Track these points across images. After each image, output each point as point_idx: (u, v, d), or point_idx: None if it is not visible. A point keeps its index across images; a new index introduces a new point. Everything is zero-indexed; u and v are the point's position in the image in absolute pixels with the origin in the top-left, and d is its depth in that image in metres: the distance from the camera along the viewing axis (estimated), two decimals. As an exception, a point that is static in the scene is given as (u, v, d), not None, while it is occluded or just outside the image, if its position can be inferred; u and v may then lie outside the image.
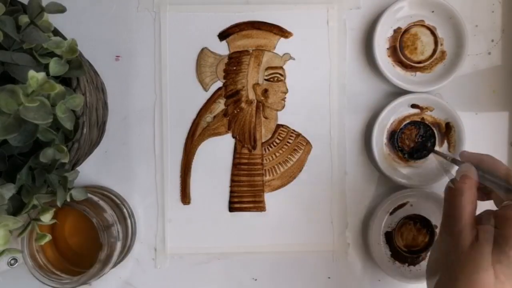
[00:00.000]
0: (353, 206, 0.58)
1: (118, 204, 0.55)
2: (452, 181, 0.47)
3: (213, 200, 0.57)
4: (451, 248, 0.45)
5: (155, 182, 0.57)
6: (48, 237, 0.39)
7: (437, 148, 0.57)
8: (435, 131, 0.57)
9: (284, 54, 0.58)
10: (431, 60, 0.57)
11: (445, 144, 0.57)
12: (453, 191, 0.46)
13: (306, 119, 0.58)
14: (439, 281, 0.45)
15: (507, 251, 0.42)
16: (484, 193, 0.48)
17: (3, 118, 0.31)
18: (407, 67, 0.57)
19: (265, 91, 0.57)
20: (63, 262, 0.52)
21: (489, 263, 0.42)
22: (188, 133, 0.57)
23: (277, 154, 0.58)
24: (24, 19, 0.36)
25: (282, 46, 0.58)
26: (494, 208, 0.47)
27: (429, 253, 0.49)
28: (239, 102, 0.58)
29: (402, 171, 0.57)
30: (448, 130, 0.57)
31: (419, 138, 0.57)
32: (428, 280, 0.48)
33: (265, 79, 0.57)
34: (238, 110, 0.58)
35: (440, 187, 0.57)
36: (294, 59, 0.58)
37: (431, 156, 0.57)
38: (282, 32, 0.57)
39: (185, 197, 0.57)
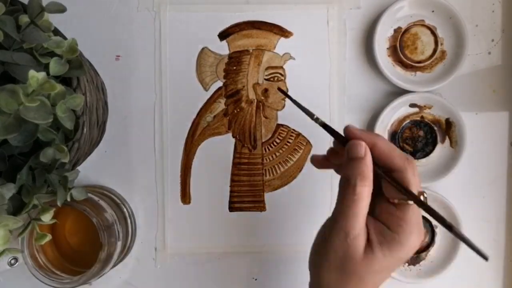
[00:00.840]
0: (353, 206, 0.58)
1: (118, 203, 0.55)
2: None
3: (213, 200, 0.57)
4: (346, 251, 0.40)
5: (155, 182, 0.57)
6: (48, 237, 0.39)
7: (439, 145, 0.57)
8: (435, 129, 0.57)
9: (284, 54, 0.58)
10: (431, 60, 0.57)
11: (447, 141, 0.57)
12: (352, 196, 0.39)
13: (306, 119, 0.58)
14: (328, 274, 0.42)
15: (395, 257, 0.39)
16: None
17: (4, 118, 0.31)
18: (407, 67, 0.57)
19: (265, 90, 0.57)
20: (63, 262, 0.52)
21: (382, 268, 0.40)
22: (188, 133, 0.57)
23: (277, 154, 0.58)
24: (24, 18, 0.36)
25: (282, 46, 0.58)
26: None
27: (316, 236, 0.45)
28: (239, 101, 0.58)
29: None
30: (448, 127, 0.57)
31: (420, 137, 0.57)
32: (311, 265, 0.45)
33: (265, 79, 0.57)
34: (238, 110, 0.58)
35: (440, 186, 0.57)
36: (294, 59, 0.58)
37: (433, 155, 0.57)
38: (282, 32, 0.57)
39: (185, 196, 0.57)
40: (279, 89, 0.48)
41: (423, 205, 0.39)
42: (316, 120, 0.44)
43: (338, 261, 0.41)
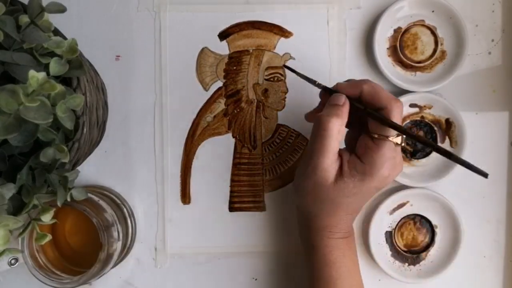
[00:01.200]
0: (353, 206, 0.58)
1: (118, 204, 0.55)
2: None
3: (213, 200, 0.57)
4: (313, 179, 0.46)
5: (155, 182, 0.57)
6: (48, 237, 0.39)
7: (439, 145, 0.57)
8: (435, 128, 0.57)
9: (284, 54, 0.58)
10: (431, 60, 0.57)
11: (447, 141, 0.57)
12: (321, 130, 0.45)
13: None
14: (305, 199, 0.48)
15: (365, 185, 0.45)
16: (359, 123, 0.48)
17: (4, 118, 0.31)
18: (407, 67, 0.57)
19: (265, 91, 0.57)
20: (63, 262, 0.52)
21: (352, 194, 0.45)
22: (188, 133, 0.57)
23: (277, 154, 0.58)
24: (24, 19, 0.36)
25: (282, 46, 0.58)
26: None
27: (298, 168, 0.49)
28: (239, 102, 0.58)
29: (405, 171, 0.57)
30: (448, 127, 0.57)
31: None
32: (294, 190, 0.50)
33: (265, 79, 0.57)
34: (238, 110, 0.58)
35: (440, 186, 0.57)
36: (294, 59, 0.58)
37: (433, 155, 0.57)
38: (282, 32, 0.57)
39: (185, 196, 0.57)
40: (285, 66, 0.53)
41: (406, 133, 0.43)
42: (318, 85, 0.49)
43: (311, 188, 0.46)
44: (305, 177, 0.47)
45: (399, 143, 0.45)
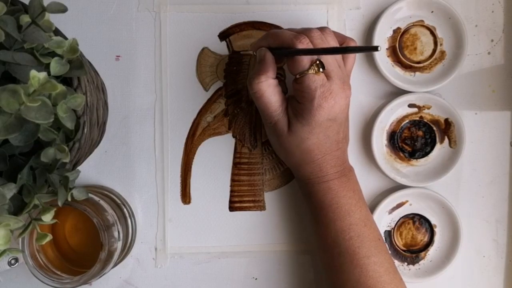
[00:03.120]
0: (353, 206, 0.58)
1: (118, 204, 0.55)
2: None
3: (213, 200, 0.57)
4: (274, 134, 0.50)
5: (155, 182, 0.57)
6: (49, 237, 0.39)
7: (438, 145, 0.57)
8: (434, 128, 0.57)
9: (284, 54, 0.58)
10: (430, 60, 0.57)
11: (446, 141, 0.57)
12: (253, 93, 0.48)
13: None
14: (281, 155, 0.52)
15: (311, 122, 0.46)
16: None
17: (4, 118, 0.31)
18: (406, 67, 0.57)
19: (265, 91, 0.57)
20: (64, 262, 0.52)
21: (307, 133, 0.47)
22: (189, 133, 0.57)
23: (277, 154, 0.58)
24: (25, 18, 0.36)
25: (282, 46, 0.58)
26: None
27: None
28: (239, 102, 0.58)
29: (403, 171, 0.57)
30: (447, 126, 0.57)
31: (419, 137, 0.58)
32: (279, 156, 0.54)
33: (265, 79, 0.57)
34: (238, 110, 0.58)
35: (440, 186, 0.57)
36: (294, 59, 0.58)
37: (432, 155, 0.57)
38: (282, 32, 0.57)
39: (185, 196, 0.57)
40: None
41: (301, 52, 0.45)
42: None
43: (278, 144, 0.50)
44: (269, 137, 0.52)
45: (315, 71, 0.46)
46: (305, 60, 0.45)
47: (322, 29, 0.48)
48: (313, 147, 0.48)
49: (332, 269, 0.49)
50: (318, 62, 0.45)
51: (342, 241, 0.48)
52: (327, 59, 0.46)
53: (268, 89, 0.47)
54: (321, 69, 0.46)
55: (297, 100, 0.47)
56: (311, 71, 0.45)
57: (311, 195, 0.51)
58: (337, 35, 0.49)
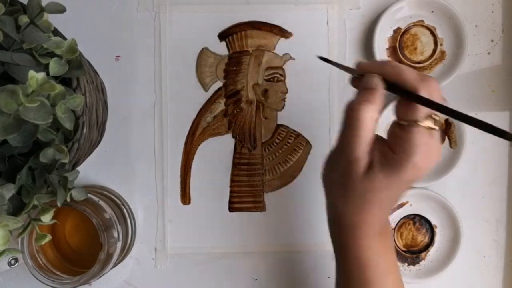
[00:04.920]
0: (353, 206, 0.58)
1: (118, 204, 0.55)
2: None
3: (213, 200, 0.57)
4: (343, 170, 0.42)
5: (155, 182, 0.57)
6: (48, 237, 0.39)
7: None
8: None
9: (284, 54, 0.58)
10: (430, 60, 0.57)
11: (446, 141, 0.57)
12: (351, 119, 0.40)
13: (306, 119, 0.58)
14: (334, 193, 0.44)
15: (397, 177, 0.40)
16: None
17: (3, 118, 0.31)
18: (407, 67, 0.57)
19: (265, 91, 0.57)
20: (63, 262, 0.52)
21: (383, 186, 0.40)
22: (188, 133, 0.57)
23: (277, 154, 0.58)
24: (24, 19, 0.36)
25: (282, 46, 0.58)
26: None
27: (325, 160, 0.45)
28: (239, 102, 0.58)
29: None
30: (448, 127, 0.57)
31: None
32: (322, 182, 0.46)
33: (265, 79, 0.57)
34: (238, 110, 0.58)
35: (440, 186, 0.57)
36: (294, 59, 0.58)
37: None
38: (282, 32, 0.57)
39: (185, 197, 0.57)
40: (320, 57, 0.47)
41: (437, 107, 0.38)
42: (351, 71, 0.44)
43: (339, 180, 0.42)
44: (334, 168, 0.43)
45: (431, 126, 0.39)
46: (424, 110, 0.39)
47: (437, 82, 0.40)
48: (378, 200, 0.41)
49: None
50: (436, 118, 0.40)
51: None
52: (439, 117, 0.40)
53: (371, 123, 0.40)
54: (436, 127, 0.40)
55: (390, 147, 0.41)
56: (423, 124, 0.39)
57: (348, 249, 0.44)
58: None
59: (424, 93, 0.38)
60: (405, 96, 0.40)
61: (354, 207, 0.42)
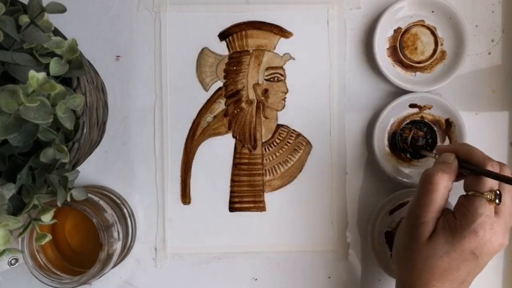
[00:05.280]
0: (353, 206, 0.58)
1: (118, 204, 0.55)
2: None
3: (213, 200, 0.57)
4: (411, 234, 0.46)
5: (155, 182, 0.57)
6: (48, 237, 0.39)
7: (439, 144, 0.57)
8: (435, 129, 0.57)
9: (284, 54, 0.58)
10: (431, 60, 0.57)
11: (447, 141, 0.57)
12: (428, 184, 0.45)
13: (306, 119, 0.58)
14: (399, 258, 0.47)
15: (456, 242, 0.43)
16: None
17: (4, 118, 0.31)
18: (407, 67, 0.57)
19: (265, 91, 0.57)
20: (63, 262, 0.52)
21: (444, 252, 0.43)
22: (188, 133, 0.57)
23: (277, 154, 0.58)
24: (24, 19, 0.36)
25: (282, 46, 0.58)
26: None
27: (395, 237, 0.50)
28: (239, 102, 0.58)
29: (405, 171, 0.57)
30: (448, 127, 0.57)
31: (420, 137, 0.58)
32: (395, 265, 0.49)
33: (265, 79, 0.57)
34: (239, 110, 0.58)
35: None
36: (294, 59, 0.58)
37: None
38: (282, 32, 0.57)
39: (185, 197, 0.57)
40: (418, 147, 0.55)
41: (494, 175, 0.43)
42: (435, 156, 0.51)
43: (404, 243, 0.46)
44: (402, 232, 0.47)
45: (490, 198, 0.43)
46: (488, 183, 0.44)
47: (506, 167, 0.46)
48: (438, 269, 0.44)
49: None
50: (498, 192, 0.44)
51: None
52: (506, 198, 0.44)
53: (444, 191, 0.45)
54: (496, 200, 0.44)
55: (455, 215, 0.45)
56: (486, 196, 0.43)
57: None
58: None
59: (489, 168, 0.44)
60: (472, 169, 0.45)
61: (415, 276, 0.45)
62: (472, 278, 0.46)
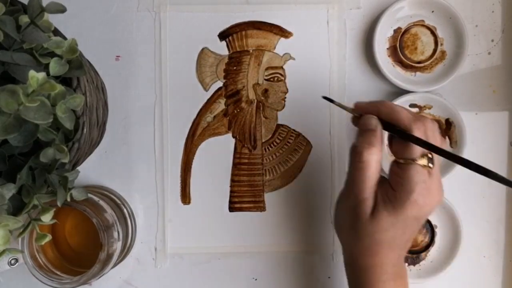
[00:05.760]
0: (353, 206, 0.58)
1: (118, 204, 0.55)
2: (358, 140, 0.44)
3: (213, 200, 0.57)
4: (353, 213, 0.44)
5: (155, 182, 0.57)
6: (48, 237, 0.39)
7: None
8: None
9: (284, 54, 0.58)
10: (431, 60, 0.57)
11: (447, 141, 0.57)
12: (358, 162, 0.43)
13: (306, 119, 0.58)
14: (345, 236, 0.47)
15: (399, 214, 0.42)
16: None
17: (4, 118, 0.31)
18: (407, 67, 0.57)
19: (265, 91, 0.57)
20: (63, 262, 0.52)
21: (389, 225, 0.43)
22: (188, 133, 0.57)
23: (277, 154, 0.58)
24: (24, 19, 0.36)
25: (282, 46, 0.58)
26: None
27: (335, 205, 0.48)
28: (239, 102, 0.58)
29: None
30: (448, 127, 0.57)
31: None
32: (336, 232, 0.49)
33: (265, 79, 0.57)
34: (238, 110, 0.58)
35: (440, 187, 0.57)
36: (294, 59, 0.58)
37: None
38: (282, 32, 0.57)
39: (185, 197, 0.57)
40: (325, 97, 0.48)
41: (431, 148, 0.40)
42: (352, 111, 0.46)
43: (349, 222, 0.45)
44: (344, 212, 0.46)
45: (426, 164, 0.42)
46: (419, 149, 0.42)
47: (432, 122, 0.44)
48: (386, 240, 0.43)
49: None
50: (431, 156, 0.42)
51: None
52: (436, 156, 0.43)
53: (376, 164, 0.43)
54: (430, 164, 0.42)
55: (391, 186, 0.43)
56: (420, 162, 0.42)
57: None
58: None
59: (417, 132, 0.41)
60: (400, 135, 0.43)
61: (366, 249, 0.44)
62: (415, 234, 0.47)
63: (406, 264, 0.57)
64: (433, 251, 0.57)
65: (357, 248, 0.45)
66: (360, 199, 0.44)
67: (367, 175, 0.43)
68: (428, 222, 0.57)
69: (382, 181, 0.44)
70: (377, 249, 0.44)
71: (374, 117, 0.44)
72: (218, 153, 0.58)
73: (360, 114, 0.45)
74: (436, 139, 0.43)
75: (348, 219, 0.45)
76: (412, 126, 0.42)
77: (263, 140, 0.58)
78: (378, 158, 0.43)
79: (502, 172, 0.58)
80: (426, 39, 0.57)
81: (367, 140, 0.43)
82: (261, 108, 0.58)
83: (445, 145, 0.43)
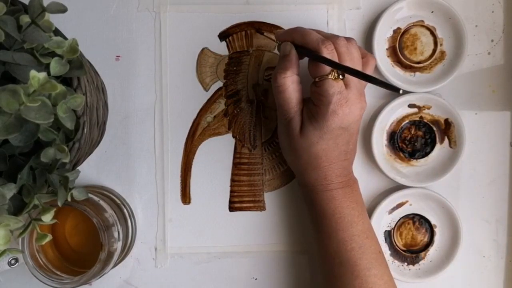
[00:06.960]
0: (353, 206, 0.58)
1: (118, 204, 0.55)
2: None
3: (213, 200, 0.57)
4: (286, 133, 0.50)
5: (155, 182, 0.57)
6: (49, 237, 0.39)
7: (438, 145, 0.57)
8: (434, 129, 0.57)
9: (284, 54, 0.57)
10: (430, 61, 0.57)
11: (446, 141, 0.57)
12: (276, 87, 0.48)
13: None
14: (289, 158, 0.52)
15: (323, 126, 0.47)
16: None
17: (4, 118, 0.31)
18: (406, 68, 0.57)
19: (265, 91, 0.58)
20: (64, 262, 0.52)
21: (317, 138, 0.47)
22: (188, 133, 0.57)
23: (277, 154, 0.58)
24: (25, 19, 0.36)
25: (282, 46, 0.58)
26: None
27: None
28: (239, 102, 0.58)
29: (403, 171, 0.57)
30: (447, 126, 0.57)
31: (419, 137, 0.58)
32: (285, 158, 0.54)
33: (265, 79, 0.57)
34: (238, 110, 0.58)
35: (440, 187, 0.57)
36: (294, 59, 0.58)
37: (432, 155, 0.57)
38: (282, 32, 0.57)
39: (185, 196, 0.57)
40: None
41: (326, 61, 0.45)
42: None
43: (287, 144, 0.50)
44: (281, 137, 0.51)
45: (335, 77, 0.46)
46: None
47: (348, 39, 0.48)
48: (321, 153, 0.48)
49: (332, 279, 0.49)
50: (338, 73, 0.46)
51: (344, 251, 0.48)
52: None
53: (292, 85, 0.48)
54: (340, 76, 0.46)
55: (313, 103, 0.48)
56: (330, 76, 0.46)
57: (314, 203, 0.50)
58: (360, 48, 0.49)
59: (325, 51, 0.46)
60: (309, 56, 0.48)
61: (306, 164, 0.50)
62: (354, 145, 0.51)
63: (406, 263, 0.57)
64: (432, 251, 0.58)
65: (300, 166, 0.50)
66: (287, 120, 0.49)
67: (286, 97, 0.48)
68: (428, 221, 0.57)
69: (307, 101, 0.49)
70: (317, 163, 0.49)
71: (288, 43, 0.49)
72: (218, 153, 0.58)
73: (280, 42, 0.50)
74: (351, 53, 0.47)
75: (285, 141, 0.51)
76: (320, 46, 0.46)
77: (263, 140, 0.58)
78: (294, 79, 0.48)
79: (503, 173, 0.58)
80: (425, 39, 0.57)
81: (281, 66, 0.48)
82: (261, 108, 0.58)
83: (361, 61, 0.48)
